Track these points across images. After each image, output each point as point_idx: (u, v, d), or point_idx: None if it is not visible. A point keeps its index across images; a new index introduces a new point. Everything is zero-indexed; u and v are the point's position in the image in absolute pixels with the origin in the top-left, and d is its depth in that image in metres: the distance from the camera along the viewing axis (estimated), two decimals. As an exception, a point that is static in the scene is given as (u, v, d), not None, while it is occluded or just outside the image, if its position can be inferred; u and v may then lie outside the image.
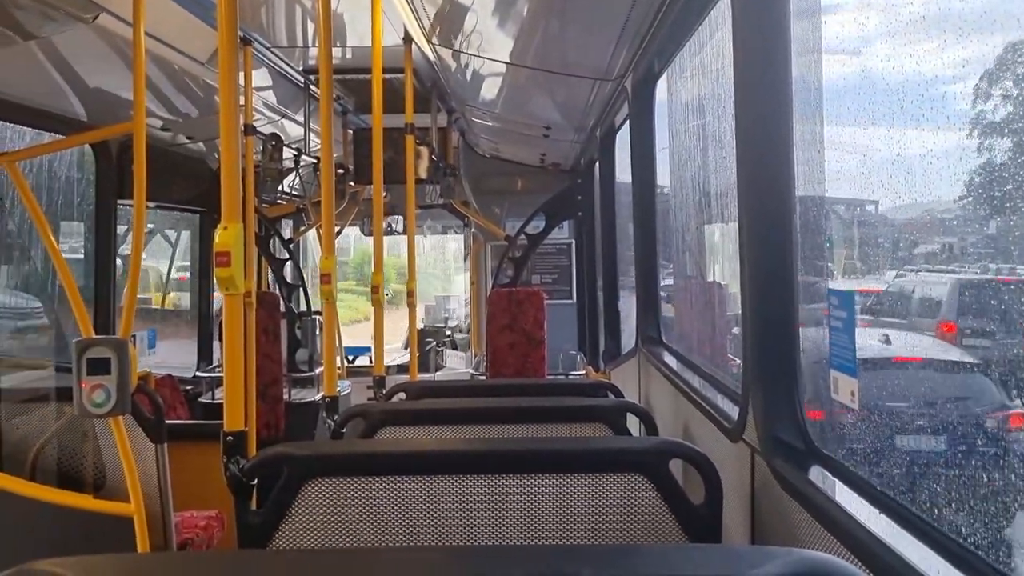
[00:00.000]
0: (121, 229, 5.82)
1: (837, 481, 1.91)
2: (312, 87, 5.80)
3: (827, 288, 2.49)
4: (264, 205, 6.74)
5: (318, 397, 6.42)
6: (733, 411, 2.51)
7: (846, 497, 1.80)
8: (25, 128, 4.80)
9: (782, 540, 2.02)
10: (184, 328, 7.72)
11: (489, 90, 5.94)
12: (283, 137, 6.13)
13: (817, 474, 1.96)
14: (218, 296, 6.73)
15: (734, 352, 3.31)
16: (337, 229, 6.57)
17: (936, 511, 1.92)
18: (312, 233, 8.68)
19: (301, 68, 5.63)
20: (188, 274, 8.06)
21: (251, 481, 2.11)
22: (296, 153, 6.30)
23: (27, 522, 3.24)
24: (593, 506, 1.96)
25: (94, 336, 3.20)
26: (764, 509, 2.19)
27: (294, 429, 6.15)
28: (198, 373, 6.91)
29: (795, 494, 1.91)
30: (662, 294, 4.80)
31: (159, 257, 8.71)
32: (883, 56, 2.03)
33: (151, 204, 6.31)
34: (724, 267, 3.85)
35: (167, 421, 3.55)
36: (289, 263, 7.39)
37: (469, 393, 3.81)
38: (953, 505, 1.98)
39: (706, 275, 4.32)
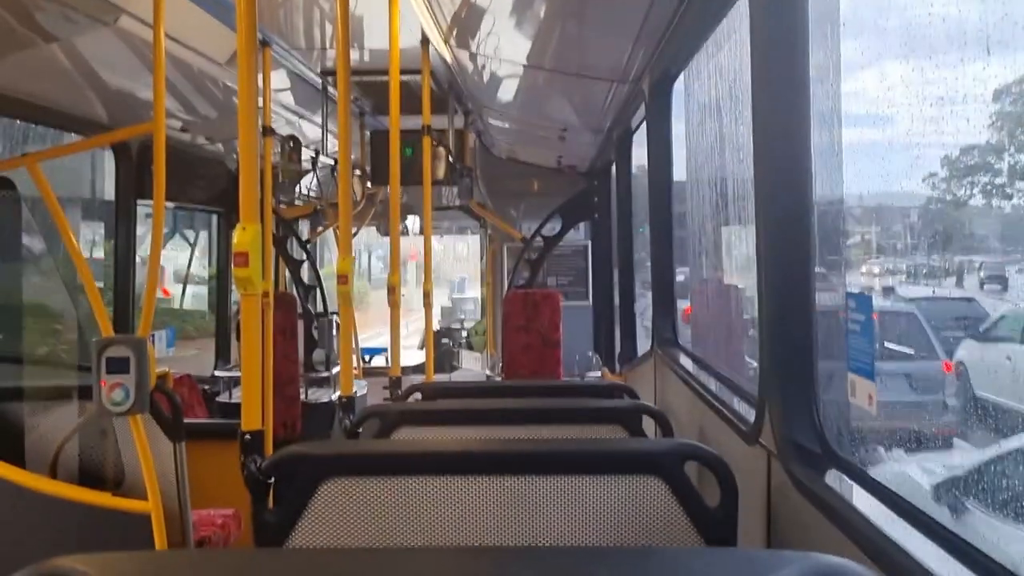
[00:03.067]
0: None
1: (854, 484, 1.90)
2: (330, 88, 5.83)
3: (845, 291, 2.48)
4: (282, 206, 6.78)
5: (334, 397, 6.46)
6: (749, 414, 2.50)
7: (864, 501, 1.79)
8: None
9: (798, 544, 2.01)
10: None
11: (506, 92, 5.94)
12: (301, 138, 6.17)
13: (834, 478, 1.95)
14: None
15: (750, 354, 3.30)
16: (354, 230, 6.59)
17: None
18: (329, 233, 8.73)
19: (319, 70, 5.66)
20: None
21: (268, 480, 2.13)
22: (314, 154, 6.33)
23: (48, 519, 3.28)
24: (608, 508, 1.96)
25: (113, 335, 3.23)
26: (780, 512, 2.18)
27: (310, 429, 6.18)
28: (216, 372, 6.96)
29: (812, 497, 1.90)
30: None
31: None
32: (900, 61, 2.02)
33: (170, 204, 6.37)
34: (740, 269, 3.84)
35: (185, 420, 3.58)
36: (306, 263, 7.43)
37: (485, 394, 3.81)
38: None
39: (722, 277, 4.30)
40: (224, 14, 3.99)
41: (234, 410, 3.00)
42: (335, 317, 6.94)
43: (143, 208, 5.60)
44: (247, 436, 2.74)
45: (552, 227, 7.53)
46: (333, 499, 1.97)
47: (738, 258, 3.86)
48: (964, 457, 2.87)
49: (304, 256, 7.50)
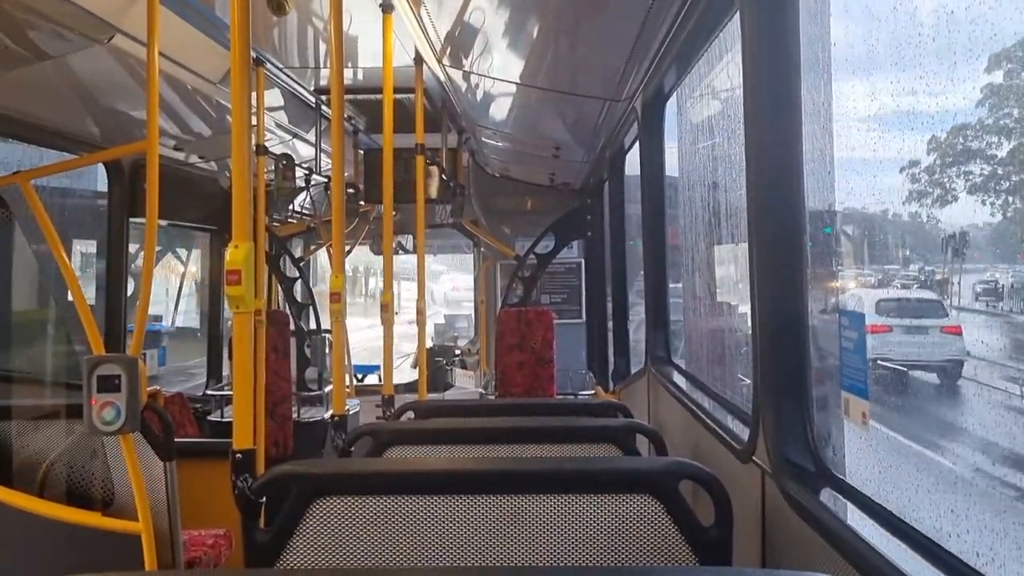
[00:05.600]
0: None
1: (849, 503, 1.89)
2: (323, 107, 5.84)
3: (838, 309, 2.48)
4: (275, 224, 6.78)
5: (327, 416, 6.42)
6: (743, 432, 2.50)
7: (858, 520, 1.78)
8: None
9: (793, 563, 2.00)
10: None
11: (499, 110, 5.97)
12: (294, 157, 6.17)
13: (828, 496, 1.95)
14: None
15: (744, 373, 3.30)
16: (347, 248, 6.59)
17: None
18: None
19: (312, 88, 5.67)
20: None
21: (259, 499, 2.11)
22: (307, 173, 6.33)
23: (36, 539, 3.24)
24: (602, 527, 1.95)
25: (104, 354, 3.20)
26: (775, 531, 2.17)
27: (303, 448, 6.15)
28: (208, 391, 6.92)
29: (806, 516, 1.90)
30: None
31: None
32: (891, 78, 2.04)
33: (163, 222, 6.36)
34: (734, 287, 3.84)
35: (176, 439, 3.55)
36: (299, 281, 7.42)
37: (478, 413, 3.80)
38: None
39: (716, 295, 4.31)
40: (218, 33, 4.00)
41: (226, 429, 2.98)
42: (328, 335, 6.92)
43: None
44: (238, 455, 2.72)
45: (546, 245, 7.54)
46: (325, 518, 1.95)
47: (731, 275, 3.87)
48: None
49: (297, 274, 7.49)
